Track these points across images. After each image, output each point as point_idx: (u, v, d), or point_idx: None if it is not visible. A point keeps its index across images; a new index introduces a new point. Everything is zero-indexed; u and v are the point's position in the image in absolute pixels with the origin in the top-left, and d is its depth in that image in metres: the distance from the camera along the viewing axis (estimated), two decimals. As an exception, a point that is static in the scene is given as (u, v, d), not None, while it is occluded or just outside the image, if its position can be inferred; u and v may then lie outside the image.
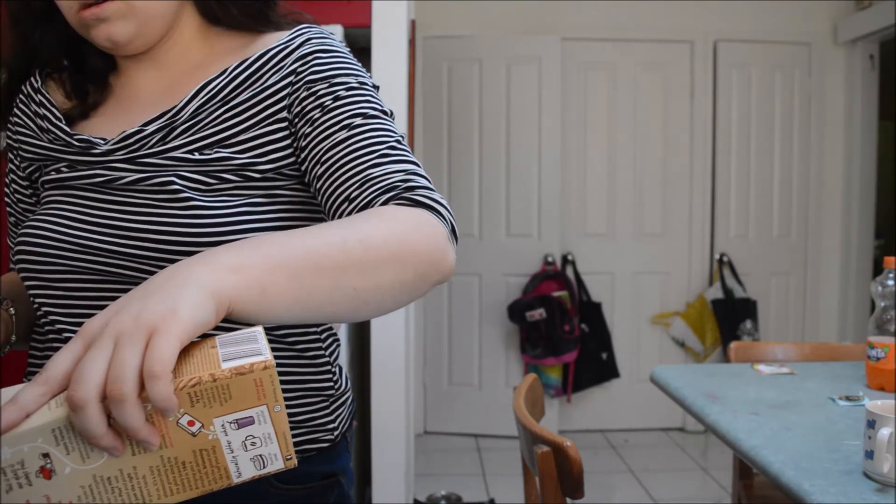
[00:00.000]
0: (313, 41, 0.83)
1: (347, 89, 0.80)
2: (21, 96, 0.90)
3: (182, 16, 0.86)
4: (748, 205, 4.15)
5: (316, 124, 0.79)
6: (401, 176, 0.74)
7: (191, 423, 0.54)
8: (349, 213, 0.74)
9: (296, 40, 0.83)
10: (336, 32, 2.37)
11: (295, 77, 0.81)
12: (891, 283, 1.62)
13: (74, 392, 0.50)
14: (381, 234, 0.66)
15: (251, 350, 0.54)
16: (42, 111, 0.86)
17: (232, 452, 0.55)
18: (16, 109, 0.90)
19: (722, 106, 4.10)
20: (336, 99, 0.79)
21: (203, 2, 0.86)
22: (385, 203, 0.72)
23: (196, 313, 0.53)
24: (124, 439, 0.52)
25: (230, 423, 0.54)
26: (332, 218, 0.77)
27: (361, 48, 2.50)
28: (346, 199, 0.75)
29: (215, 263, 0.58)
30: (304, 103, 0.80)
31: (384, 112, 0.81)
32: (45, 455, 0.52)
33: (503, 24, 4.05)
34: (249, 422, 0.54)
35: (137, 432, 0.51)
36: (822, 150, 4.17)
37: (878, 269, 1.82)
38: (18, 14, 0.86)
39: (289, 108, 0.81)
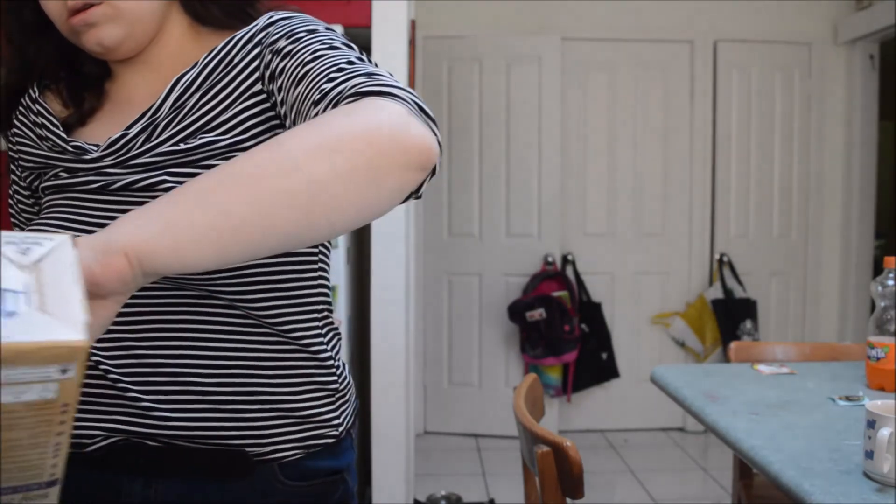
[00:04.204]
0: (276, 15, 0.84)
1: (309, 32, 0.79)
2: (20, 108, 0.91)
3: (170, 16, 0.86)
4: (748, 205, 4.15)
5: (285, 71, 0.77)
6: (354, 81, 0.68)
7: None
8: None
9: (261, 21, 0.83)
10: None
11: (261, 48, 0.81)
12: (891, 283, 1.62)
13: None
14: (302, 129, 0.62)
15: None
16: (40, 120, 0.86)
17: None
18: (15, 121, 0.91)
19: (722, 106, 4.10)
20: (298, 42, 0.78)
21: (187, 1, 0.87)
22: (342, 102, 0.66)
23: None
24: None
25: None
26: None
27: (361, 48, 2.50)
28: (306, 117, 0.71)
29: (109, 229, 0.57)
30: (272, 64, 0.79)
31: (351, 47, 0.79)
32: None
33: (503, 24, 4.05)
34: None
35: None
36: (822, 151, 4.17)
37: (878, 269, 1.82)
38: (12, 29, 0.87)
39: (262, 79, 0.80)
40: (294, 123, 0.75)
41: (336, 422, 0.87)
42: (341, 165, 0.60)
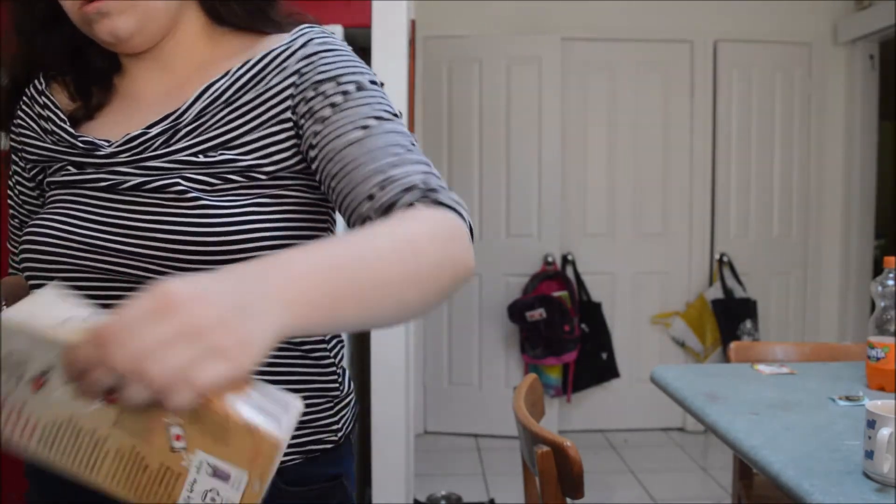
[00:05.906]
0: (316, 41, 0.83)
1: (358, 88, 0.79)
2: (24, 99, 0.90)
3: (185, 14, 0.85)
4: (748, 205, 4.15)
5: (328, 122, 0.77)
6: (420, 176, 0.73)
7: (178, 438, 0.53)
8: (369, 212, 0.73)
9: (298, 41, 0.83)
10: (336, 32, 2.37)
11: (299, 78, 0.80)
12: (891, 283, 1.62)
13: (150, 369, 0.49)
14: (426, 242, 0.67)
15: (275, 415, 0.54)
16: (46, 113, 0.85)
17: (190, 492, 0.53)
18: (19, 112, 0.89)
19: (722, 106, 4.10)
20: (346, 97, 0.78)
21: (207, 0, 0.86)
22: (410, 203, 0.72)
23: (259, 355, 0.53)
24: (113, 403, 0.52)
25: (209, 464, 0.53)
26: (347, 215, 0.76)
27: (361, 48, 2.50)
28: (368, 197, 0.73)
29: (287, 293, 0.56)
30: (312, 102, 0.79)
31: (395, 115, 0.81)
32: (45, 372, 0.52)
33: (503, 24, 4.05)
34: (225, 476, 0.53)
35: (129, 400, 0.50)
36: (822, 150, 4.17)
37: (878, 269, 1.82)
38: (22, 21, 0.86)
39: (293, 108, 0.80)
40: (334, 177, 0.77)
41: (335, 427, 0.87)
42: (441, 284, 0.68)
